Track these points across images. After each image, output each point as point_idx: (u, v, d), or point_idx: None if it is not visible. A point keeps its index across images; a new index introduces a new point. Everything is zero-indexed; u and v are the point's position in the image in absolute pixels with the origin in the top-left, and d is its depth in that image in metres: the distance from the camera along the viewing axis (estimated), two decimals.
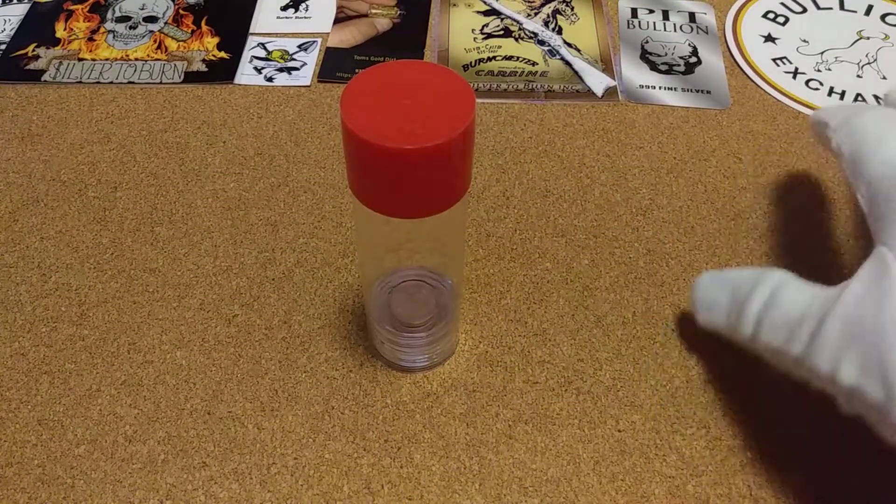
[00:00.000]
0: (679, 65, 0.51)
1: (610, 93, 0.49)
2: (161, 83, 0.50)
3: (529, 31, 0.54)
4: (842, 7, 0.56)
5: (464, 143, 0.26)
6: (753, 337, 0.31)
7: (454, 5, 0.56)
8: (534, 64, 0.51)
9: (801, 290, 0.30)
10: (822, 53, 0.53)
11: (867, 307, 0.27)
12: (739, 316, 0.31)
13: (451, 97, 0.25)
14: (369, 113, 0.25)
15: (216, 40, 0.53)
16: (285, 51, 0.52)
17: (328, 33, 0.54)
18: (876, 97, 0.49)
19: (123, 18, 0.55)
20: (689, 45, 0.53)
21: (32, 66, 0.51)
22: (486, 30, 0.54)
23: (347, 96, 0.26)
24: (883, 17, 0.55)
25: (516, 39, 0.53)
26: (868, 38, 0.54)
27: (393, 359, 0.36)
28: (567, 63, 0.51)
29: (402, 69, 0.27)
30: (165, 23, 0.54)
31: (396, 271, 0.35)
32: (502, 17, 0.55)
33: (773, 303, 0.30)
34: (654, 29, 0.54)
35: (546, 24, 0.54)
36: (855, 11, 0.55)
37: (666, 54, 0.52)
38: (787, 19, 0.55)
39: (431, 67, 0.27)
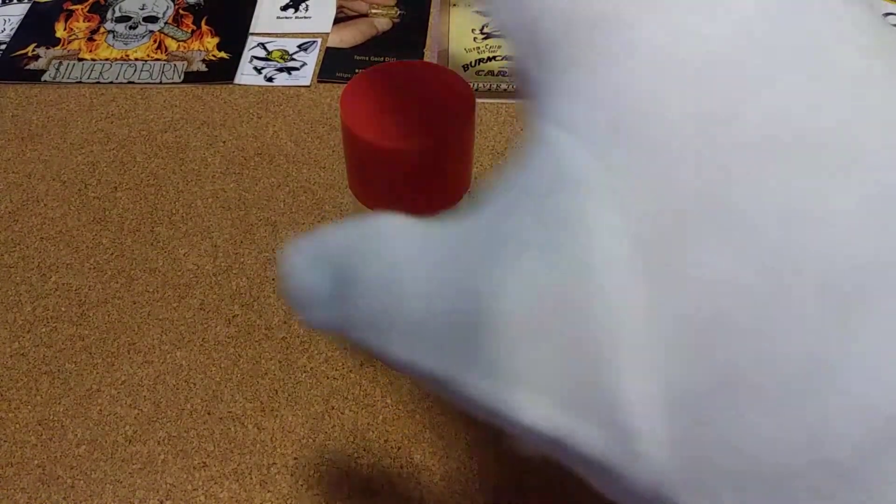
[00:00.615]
0: None
1: None
2: (161, 83, 0.50)
3: None
4: None
5: (464, 144, 0.26)
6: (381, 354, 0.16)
7: (454, 5, 0.56)
8: None
9: (429, 248, 0.15)
10: None
11: (554, 266, 0.13)
12: (349, 302, 0.16)
13: (451, 97, 0.25)
14: (369, 113, 0.25)
15: (216, 40, 0.53)
16: (285, 51, 0.52)
17: (328, 33, 0.54)
18: None
19: (123, 18, 0.55)
20: None
21: (32, 66, 0.51)
22: (486, 30, 0.54)
23: (347, 96, 0.25)
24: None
25: None
26: None
27: None
28: None
29: (401, 69, 0.27)
30: (165, 23, 0.54)
31: None
32: None
33: (393, 278, 0.16)
34: None
35: None
36: None
37: None
38: None
39: (431, 67, 0.27)
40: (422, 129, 0.24)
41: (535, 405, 0.13)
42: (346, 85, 0.26)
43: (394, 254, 0.16)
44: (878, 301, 0.11)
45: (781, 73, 0.12)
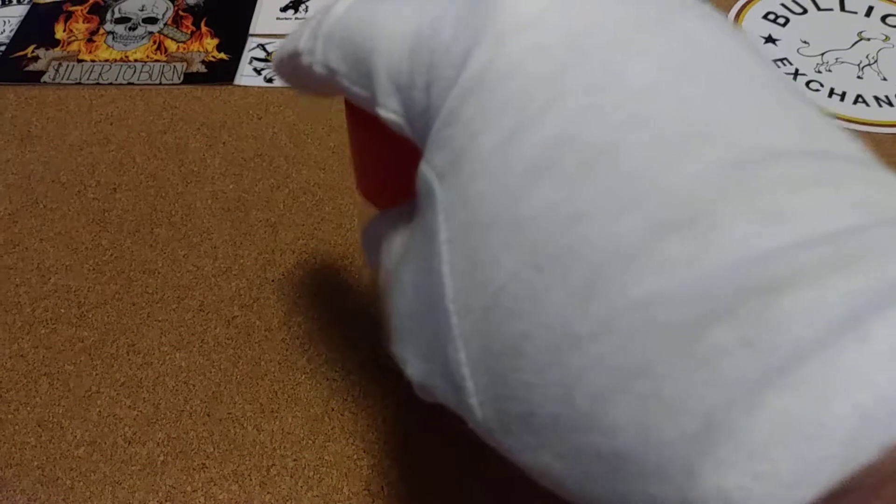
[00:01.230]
0: None
1: None
2: (160, 84, 0.50)
3: None
4: (842, 8, 0.56)
5: None
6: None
7: None
8: None
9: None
10: (822, 55, 0.53)
11: (419, 276, 0.18)
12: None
13: None
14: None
15: (216, 41, 0.53)
16: None
17: None
18: (876, 99, 0.49)
19: (123, 20, 0.55)
20: None
21: (31, 67, 0.51)
22: None
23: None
24: (883, 19, 0.55)
25: None
26: (868, 40, 0.54)
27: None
28: None
29: None
30: (165, 24, 0.54)
31: None
32: None
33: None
34: None
35: None
36: (855, 13, 0.55)
37: None
38: (787, 20, 0.55)
39: None
40: None
41: (413, 364, 0.19)
42: None
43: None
44: (611, 285, 0.14)
45: (562, 99, 0.15)
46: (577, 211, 0.15)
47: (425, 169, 0.18)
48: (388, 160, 0.25)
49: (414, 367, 0.19)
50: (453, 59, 0.17)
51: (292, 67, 0.24)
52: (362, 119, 0.23)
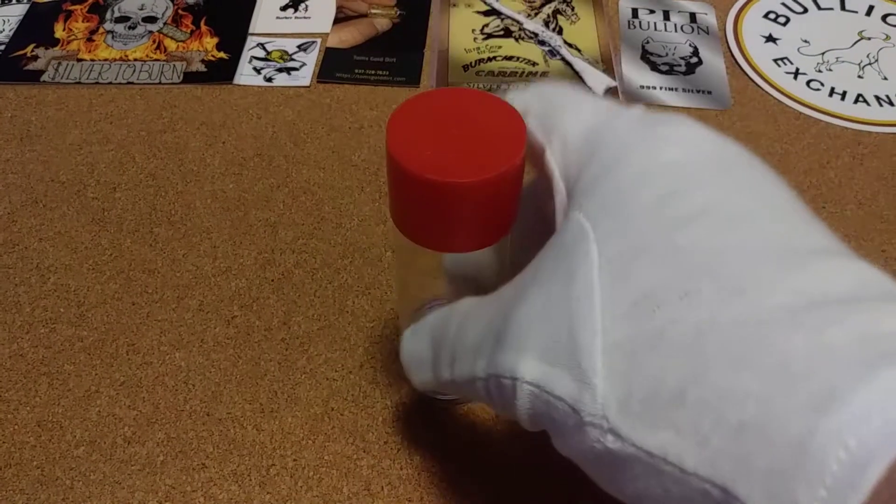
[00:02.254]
0: (680, 65, 0.51)
1: (610, 93, 0.49)
2: (160, 83, 0.50)
3: (530, 32, 0.54)
4: (843, 7, 0.56)
5: (513, 178, 0.25)
6: (454, 381, 0.26)
7: (454, 5, 0.56)
8: (534, 64, 0.51)
9: (484, 305, 0.25)
10: (823, 54, 0.52)
11: (556, 287, 0.22)
12: (439, 361, 0.27)
13: (501, 129, 0.25)
14: (415, 143, 0.24)
15: (215, 41, 0.53)
16: (284, 51, 0.52)
17: (328, 33, 0.53)
18: (877, 98, 0.49)
19: (122, 19, 0.55)
20: (690, 45, 0.53)
21: (31, 66, 0.51)
22: (486, 30, 0.54)
23: (393, 124, 0.25)
24: (884, 18, 0.55)
25: (516, 40, 0.53)
26: (869, 39, 0.53)
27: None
28: (567, 63, 0.51)
29: (450, 97, 0.26)
30: (164, 23, 0.54)
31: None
32: (502, 17, 0.55)
33: (460, 333, 0.25)
34: (655, 29, 0.54)
35: (546, 24, 0.54)
36: (856, 12, 0.55)
37: (667, 55, 0.52)
38: (788, 20, 0.55)
39: (481, 96, 0.26)
40: (469, 161, 0.24)
41: (528, 364, 0.22)
42: (392, 112, 0.25)
43: (462, 309, 0.26)
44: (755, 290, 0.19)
45: (706, 183, 0.22)
46: (721, 246, 0.20)
47: (578, 215, 0.23)
48: (419, 210, 0.25)
49: (528, 368, 0.22)
50: (615, 148, 0.24)
51: None
52: (405, 165, 0.24)
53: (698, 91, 0.50)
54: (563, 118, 0.26)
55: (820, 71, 0.51)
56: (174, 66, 0.51)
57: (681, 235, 0.21)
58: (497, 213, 0.26)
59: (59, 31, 0.53)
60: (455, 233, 0.26)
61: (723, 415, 0.18)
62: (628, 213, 0.22)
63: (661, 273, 0.20)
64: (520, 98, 0.27)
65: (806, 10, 0.56)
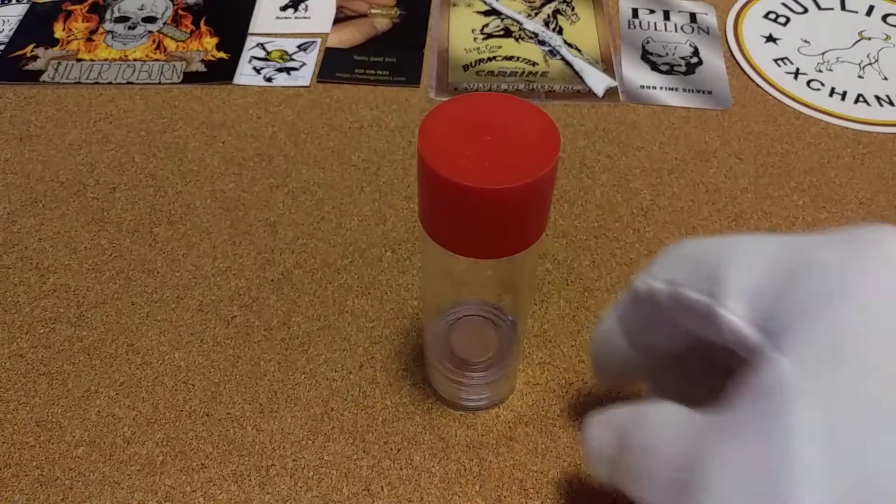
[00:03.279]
0: (680, 65, 0.51)
1: (611, 93, 0.49)
2: (160, 83, 0.50)
3: (530, 32, 0.54)
4: (843, 7, 0.56)
5: (547, 183, 0.25)
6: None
7: (454, 5, 0.56)
8: (534, 64, 0.51)
9: (671, 431, 0.23)
10: (823, 54, 0.52)
11: (756, 446, 0.20)
12: (618, 466, 0.25)
13: (535, 135, 0.24)
14: (448, 149, 0.24)
15: (215, 40, 0.53)
16: (284, 51, 0.52)
17: (327, 33, 0.53)
18: (877, 98, 0.49)
19: (122, 19, 0.55)
20: (690, 45, 0.53)
21: (31, 66, 0.51)
22: (486, 30, 0.54)
23: (425, 131, 0.24)
24: (884, 18, 0.55)
25: (517, 39, 0.53)
26: (869, 39, 0.53)
27: (449, 396, 0.35)
28: (568, 63, 0.51)
29: (479, 102, 0.26)
30: (164, 23, 0.54)
31: (457, 305, 0.34)
32: (502, 17, 0.55)
33: (645, 452, 0.24)
34: (655, 29, 0.54)
35: (546, 24, 0.54)
36: (856, 12, 0.55)
37: (667, 54, 0.52)
38: (788, 20, 0.55)
39: (515, 103, 0.26)
40: (501, 168, 0.23)
41: None
42: (425, 117, 0.25)
43: (655, 430, 0.23)
44: None
45: None
46: None
47: (785, 367, 0.20)
48: (449, 215, 0.25)
49: None
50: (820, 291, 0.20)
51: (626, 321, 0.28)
52: (436, 169, 0.24)
53: (698, 91, 0.50)
54: (732, 270, 0.23)
55: (820, 71, 0.51)
56: (174, 66, 0.51)
57: None
58: (530, 219, 0.26)
59: (58, 31, 0.53)
60: (488, 239, 0.26)
61: None
62: (859, 365, 0.19)
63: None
64: (659, 279, 0.25)
65: (806, 10, 0.56)
